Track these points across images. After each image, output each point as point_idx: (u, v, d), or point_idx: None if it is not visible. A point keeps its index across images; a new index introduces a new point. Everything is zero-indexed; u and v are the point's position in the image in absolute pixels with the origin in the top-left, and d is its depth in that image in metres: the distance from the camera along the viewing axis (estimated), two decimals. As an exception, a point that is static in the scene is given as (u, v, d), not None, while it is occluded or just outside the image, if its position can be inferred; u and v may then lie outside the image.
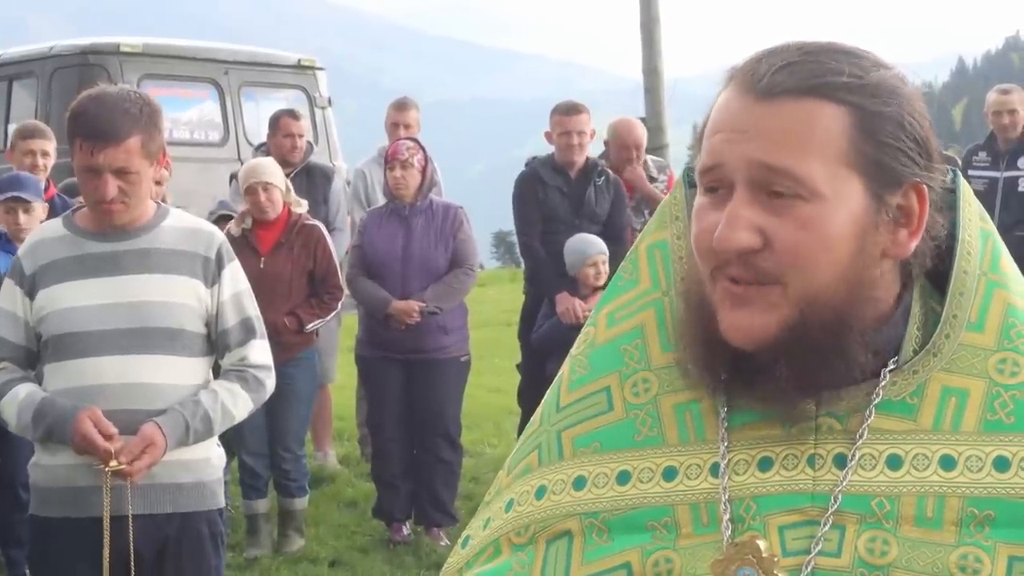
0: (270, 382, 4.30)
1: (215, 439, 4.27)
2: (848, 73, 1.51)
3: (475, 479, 9.08)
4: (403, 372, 7.63)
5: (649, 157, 9.53)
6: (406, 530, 7.83)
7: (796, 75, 1.51)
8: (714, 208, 1.54)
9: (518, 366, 8.48)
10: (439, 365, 7.64)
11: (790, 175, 1.49)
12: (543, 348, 7.66)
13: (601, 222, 8.14)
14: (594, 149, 8.67)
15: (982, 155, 9.64)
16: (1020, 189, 9.39)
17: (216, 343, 4.22)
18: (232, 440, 7.69)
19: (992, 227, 1.65)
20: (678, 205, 1.75)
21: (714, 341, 1.56)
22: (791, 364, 1.51)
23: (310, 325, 7.47)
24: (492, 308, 17.94)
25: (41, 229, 4.36)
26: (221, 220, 7.55)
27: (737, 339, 1.53)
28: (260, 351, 4.28)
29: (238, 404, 4.19)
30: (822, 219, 1.49)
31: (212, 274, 4.15)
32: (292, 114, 9.20)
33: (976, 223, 1.63)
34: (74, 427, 3.94)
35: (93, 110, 3.96)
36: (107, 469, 3.92)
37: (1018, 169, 9.42)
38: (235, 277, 4.23)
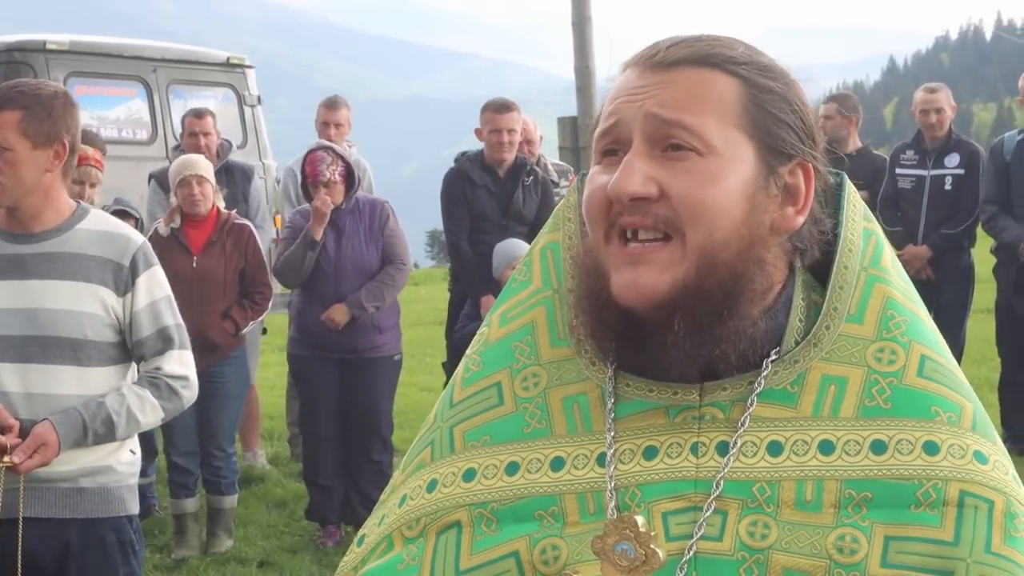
0: (187, 392, 4.11)
1: (127, 446, 4.09)
2: (741, 52, 1.59)
3: (406, 478, 9.05)
4: (337, 371, 7.60)
5: (550, 161, 9.49)
6: (341, 534, 7.79)
7: (691, 49, 1.59)
8: (606, 172, 1.58)
9: (444, 365, 8.46)
10: (373, 364, 7.62)
11: (684, 126, 1.54)
12: (465, 347, 7.64)
13: (528, 223, 8.15)
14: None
15: (909, 153, 9.68)
16: (947, 187, 9.45)
17: (132, 352, 4.05)
18: (164, 440, 7.65)
19: (876, 226, 1.71)
20: (571, 208, 1.79)
21: (607, 307, 1.58)
22: (687, 319, 1.54)
23: (245, 328, 7.44)
24: (425, 307, 17.95)
25: None
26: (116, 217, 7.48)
27: (629, 297, 1.56)
28: (177, 361, 4.07)
29: (146, 410, 4.00)
30: (716, 174, 1.54)
31: (125, 282, 3.96)
32: (196, 113, 9.16)
33: (859, 222, 1.69)
34: None
35: None
36: None
37: (945, 167, 9.49)
38: (152, 285, 4.03)
